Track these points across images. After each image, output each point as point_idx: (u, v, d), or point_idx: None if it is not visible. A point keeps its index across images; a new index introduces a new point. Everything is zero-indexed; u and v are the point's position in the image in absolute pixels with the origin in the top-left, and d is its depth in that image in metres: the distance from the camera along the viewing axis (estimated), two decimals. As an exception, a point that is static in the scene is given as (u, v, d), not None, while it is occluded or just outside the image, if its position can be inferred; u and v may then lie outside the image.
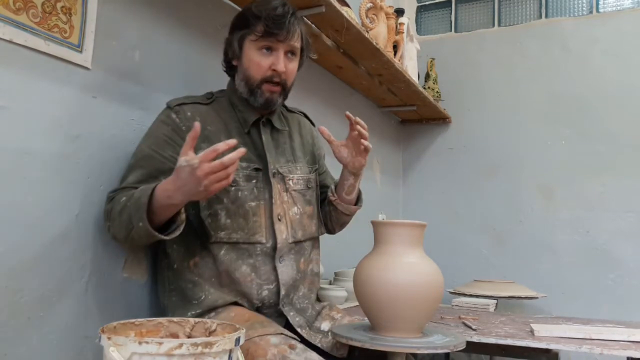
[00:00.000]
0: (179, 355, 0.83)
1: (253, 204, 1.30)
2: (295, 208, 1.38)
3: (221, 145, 1.02)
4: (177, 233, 1.16)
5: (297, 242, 1.37)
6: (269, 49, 1.30)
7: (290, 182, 1.39)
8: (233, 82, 1.39)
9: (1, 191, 1.07)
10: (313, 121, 1.61)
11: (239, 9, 1.79)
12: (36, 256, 1.14)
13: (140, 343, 0.83)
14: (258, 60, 1.29)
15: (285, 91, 1.35)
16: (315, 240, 1.47)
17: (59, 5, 1.18)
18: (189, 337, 1.03)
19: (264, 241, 1.30)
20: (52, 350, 1.17)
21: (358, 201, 1.50)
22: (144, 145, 1.28)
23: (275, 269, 1.31)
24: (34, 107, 1.14)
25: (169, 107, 1.32)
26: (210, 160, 1.02)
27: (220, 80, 1.71)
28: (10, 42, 1.08)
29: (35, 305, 1.14)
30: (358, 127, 1.30)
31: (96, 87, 1.28)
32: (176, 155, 1.16)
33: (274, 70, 1.30)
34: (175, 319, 1.05)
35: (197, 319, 1.05)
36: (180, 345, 0.83)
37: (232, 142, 1.04)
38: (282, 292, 1.31)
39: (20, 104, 1.11)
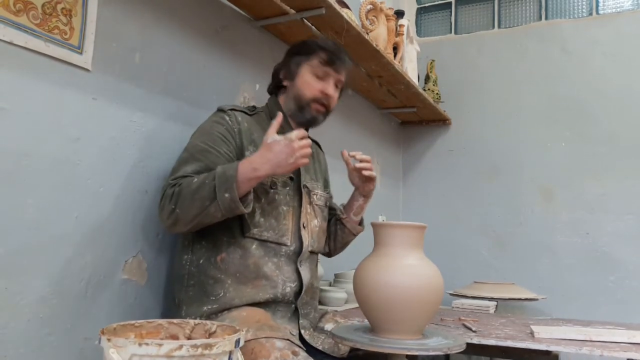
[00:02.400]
0: (179, 357, 0.83)
1: (285, 208, 1.40)
2: (316, 221, 1.50)
3: (303, 130, 1.25)
4: (251, 207, 1.27)
5: (312, 252, 1.47)
6: (322, 77, 1.46)
7: (315, 197, 1.52)
8: (275, 99, 1.53)
9: (1, 193, 1.07)
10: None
11: (239, 11, 1.81)
12: (36, 258, 1.14)
13: (140, 345, 0.83)
14: (312, 83, 1.46)
15: (327, 114, 1.52)
16: (318, 255, 1.56)
17: (59, 6, 1.18)
18: (188, 338, 1.03)
19: (288, 244, 1.39)
20: (52, 352, 1.17)
21: (361, 222, 1.63)
22: (198, 141, 1.35)
23: (297, 270, 1.40)
24: (34, 109, 1.14)
25: (222, 110, 1.42)
26: (301, 138, 1.23)
27: (219, 82, 1.72)
28: (11, 43, 1.09)
29: (35, 307, 1.14)
30: (358, 165, 1.48)
31: (96, 89, 1.28)
32: (229, 152, 1.35)
33: (324, 93, 1.46)
34: (175, 320, 1.05)
35: (197, 321, 1.05)
36: (180, 347, 0.83)
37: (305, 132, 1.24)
38: (303, 290, 1.39)
39: (20, 106, 1.11)
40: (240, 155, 1.37)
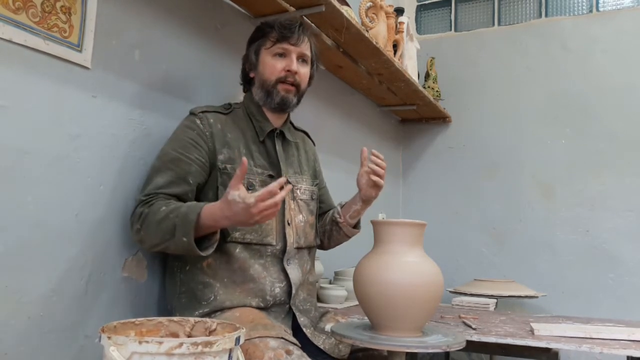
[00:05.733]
0: (179, 355, 0.83)
1: None
2: (301, 216, 1.46)
3: (275, 186, 1.11)
4: (211, 251, 1.22)
5: (299, 248, 1.43)
6: (282, 55, 1.42)
7: (298, 192, 1.48)
8: (250, 94, 1.49)
9: (1, 191, 1.07)
10: (313, 118, 1.65)
11: (239, 8, 1.80)
12: (36, 256, 1.14)
13: (140, 342, 0.83)
14: (273, 64, 1.42)
15: (299, 93, 1.46)
16: (312, 249, 1.54)
17: (58, 4, 1.18)
18: (189, 336, 1.03)
19: (274, 243, 1.37)
20: (52, 350, 1.17)
21: (357, 225, 1.60)
22: (169, 148, 1.33)
23: (284, 269, 1.38)
24: (33, 107, 1.14)
25: (193, 113, 1.39)
26: (264, 200, 1.10)
27: (219, 80, 1.72)
28: (10, 41, 1.08)
29: (35, 304, 1.14)
30: (371, 165, 1.43)
31: (96, 87, 1.28)
32: (201, 157, 1.30)
33: (287, 70, 1.41)
34: (175, 318, 1.05)
35: (197, 319, 1.05)
36: (181, 345, 0.83)
37: (283, 180, 1.14)
38: (293, 290, 1.37)
39: (20, 104, 1.11)
40: (213, 158, 1.34)
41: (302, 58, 1.45)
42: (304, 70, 1.45)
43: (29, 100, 1.13)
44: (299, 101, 1.47)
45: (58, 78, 1.19)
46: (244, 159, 1.12)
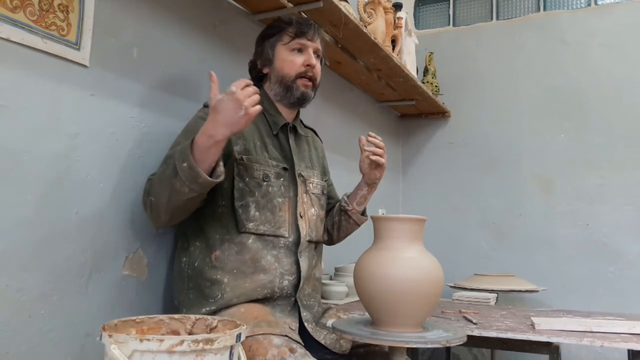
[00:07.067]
0: (180, 352, 0.83)
1: (280, 199, 1.39)
2: (313, 210, 1.48)
3: (247, 79, 1.16)
4: (221, 178, 1.20)
5: (310, 242, 1.44)
6: (300, 50, 1.45)
7: (311, 185, 1.49)
8: (262, 91, 1.49)
9: (1, 190, 1.07)
10: (312, 115, 1.67)
11: (237, 5, 1.80)
12: (36, 255, 1.14)
13: (141, 340, 0.83)
14: (292, 59, 1.44)
15: (315, 87, 1.48)
16: (319, 245, 1.54)
17: (56, 3, 1.17)
18: (189, 334, 1.04)
19: (286, 235, 1.38)
20: (53, 348, 1.18)
21: (364, 212, 1.62)
22: (182, 138, 1.33)
23: (297, 262, 1.38)
24: (32, 106, 1.13)
25: (206, 106, 1.39)
26: (243, 88, 1.14)
27: (218, 76, 1.71)
28: (8, 40, 1.08)
29: (36, 303, 1.14)
30: (369, 148, 1.46)
31: (94, 85, 1.28)
32: None
33: (307, 65, 1.44)
34: (176, 316, 1.05)
35: (198, 316, 1.06)
36: (182, 342, 0.83)
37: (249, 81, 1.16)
38: (301, 283, 1.38)
39: (18, 103, 1.11)
40: (226, 149, 1.31)
41: (316, 53, 1.48)
42: (319, 65, 1.49)
43: (27, 99, 1.13)
44: (314, 95, 1.50)
45: (56, 76, 1.18)
46: (211, 72, 1.18)
